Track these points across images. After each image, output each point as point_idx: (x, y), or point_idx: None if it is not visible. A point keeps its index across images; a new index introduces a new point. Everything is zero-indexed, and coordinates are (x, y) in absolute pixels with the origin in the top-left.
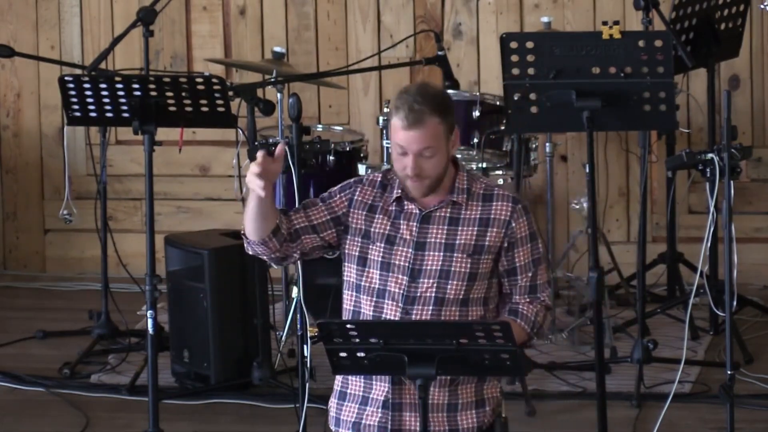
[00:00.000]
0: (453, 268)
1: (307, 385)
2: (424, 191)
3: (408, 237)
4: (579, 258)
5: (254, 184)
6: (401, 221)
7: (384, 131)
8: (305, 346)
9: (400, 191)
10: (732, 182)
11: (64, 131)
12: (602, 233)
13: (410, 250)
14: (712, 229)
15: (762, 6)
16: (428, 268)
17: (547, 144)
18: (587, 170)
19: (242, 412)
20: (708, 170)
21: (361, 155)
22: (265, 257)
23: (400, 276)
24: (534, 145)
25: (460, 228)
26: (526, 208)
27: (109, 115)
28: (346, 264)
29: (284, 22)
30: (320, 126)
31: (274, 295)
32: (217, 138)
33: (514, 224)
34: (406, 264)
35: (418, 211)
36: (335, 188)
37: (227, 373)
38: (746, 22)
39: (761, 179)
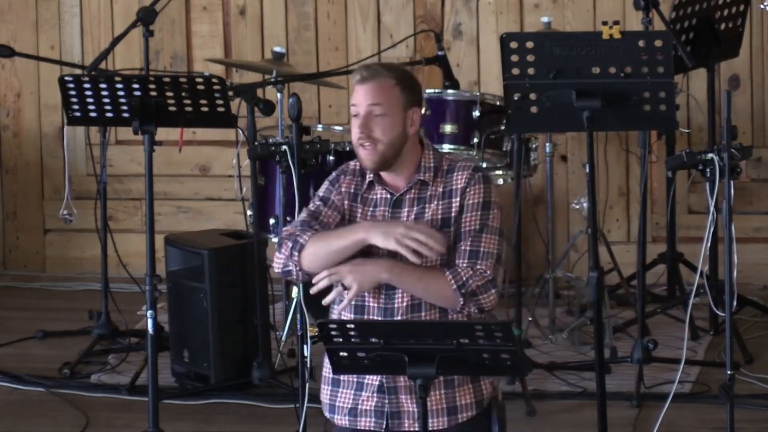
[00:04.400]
0: None
1: (307, 385)
2: (375, 159)
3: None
4: (579, 258)
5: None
6: (376, 208)
7: None
8: (305, 346)
9: (371, 176)
10: (732, 182)
11: (64, 131)
12: (602, 233)
13: None
14: (712, 229)
15: (762, 6)
16: None
17: (547, 144)
18: (587, 170)
19: (242, 412)
20: (708, 170)
21: None
22: (302, 279)
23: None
24: (534, 145)
25: (427, 206)
26: (485, 177)
27: (109, 115)
28: None
29: (284, 22)
30: (320, 126)
31: (274, 295)
32: (217, 138)
33: (469, 189)
34: (383, 249)
35: (389, 196)
36: (325, 186)
37: (227, 373)
38: (746, 22)
39: (761, 179)
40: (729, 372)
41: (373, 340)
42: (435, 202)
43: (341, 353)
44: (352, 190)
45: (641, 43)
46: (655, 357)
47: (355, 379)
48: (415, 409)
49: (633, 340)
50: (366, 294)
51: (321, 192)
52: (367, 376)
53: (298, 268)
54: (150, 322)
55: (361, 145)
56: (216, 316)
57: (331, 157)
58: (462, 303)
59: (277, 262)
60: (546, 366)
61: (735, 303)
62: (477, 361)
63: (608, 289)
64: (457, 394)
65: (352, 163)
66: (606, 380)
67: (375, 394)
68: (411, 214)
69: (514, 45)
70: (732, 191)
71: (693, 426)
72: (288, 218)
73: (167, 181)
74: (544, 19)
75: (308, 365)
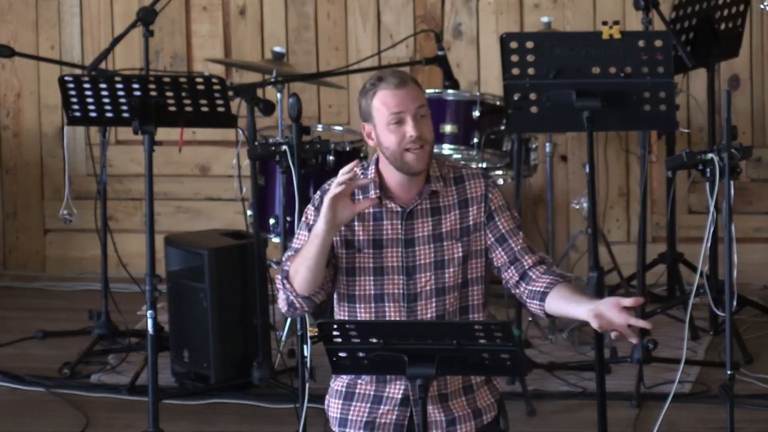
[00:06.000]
0: (446, 257)
1: (307, 385)
2: (425, 160)
3: (395, 237)
4: (579, 258)
5: (326, 208)
6: (384, 222)
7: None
8: (305, 346)
9: (378, 192)
10: (732, 182)
11: (64, 131)
12: (602, 233)
13: (401, 249)
14: (712, 229)
15: (762, 6)
16: (422, 262)
17: (547, 144)
18: (587, 170)
19: (242, 412)
20: (708, 170)
21: (361, 155)
22: (306, 312)
23: (396, 276)
24: (534, 145)
25: (442, 216)
26: (495, 182)
27: (109, 115)
28: None
29: (284, 22)
30: (320, 126)
31: (274, 295)
32: (217, 138)
33: (490, 195)
34: (400, 263)
35: (400, 209)
36: (309, 212)
37: (227, 373)
38: (746, 22)
39: (761, 179)
40: (729, 372)
41: (373, 340)
42: (452, 212)
43: (341, 353)
44: None
45: (641, 43)
46: (655, 357)
47: (372, 393)
48: (443, 418)
49: None
50: (386, 309)
51: (309, 219)
52: (388, 390)
53: (294, 295)
54: (150, 322)
55: (410, 149)
56: (216, 316)
57: (331, 157)
58: None
59: (281, 303)
60: (546, 366)
61: (735, 303)
62: (477, 361)
63: (608, 289)
64: (477, 396)
65: (330, 182)
66: (606, 380)
67: (396, 408)
68: (427, 225)
69: (514, 45)
70: (732, 191)
71: (693, 426)
72: (288, 218)
73: (167, 181)
74: (544, 19)
75: (308, 365)
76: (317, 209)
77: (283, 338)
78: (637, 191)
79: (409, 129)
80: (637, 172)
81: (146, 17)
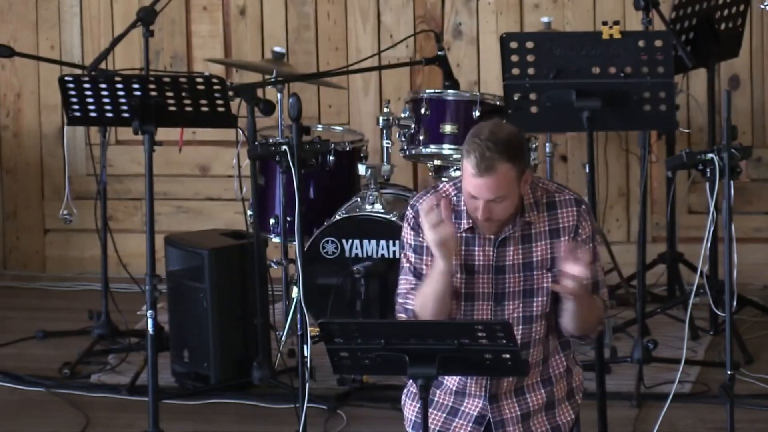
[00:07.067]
0: (536, 286)
1: (307, 385)
2: (495, 230)
3: (486, 263)
4: None
5: (436, 250)
6: (475, 248)
7: (384, 131)
8: (305, 346)
9: (471, 221)
10: (732, 182)
11: (64, 131)
12: (602, 233)
13: (491, 276)
14: (712, 229)
15: (762, 6)
16: (511, 290)
17: (547, 144)
18: (587, 170)
19: (242, 412)
20: (708, 170)
21: (361, 155)
22: None
23: (485, 303)
24: (534, 145)
25: (534, 244)
26: (587, 206)
27: (109, 115)
28: None
29: (284, 22)
30: (320, 126)
31: (274, 295)
32: (217, 138)
33: (580, 228)
34: (490, 290)
35: (493, 237)
36: (408, 235)
37: (227, 373)
38: (746, 22)
39: (761, 179)
40: (729, 372)
41: (374, 340)
42: (543, 241)
43: (342, 353)
44: None
45: (641, 43)
46: (655, 357)
47: (450, 404)
48: None
49: (633, 340)
50: (475, 309)
51: (410, 240)
52: (465, 405)
53: None
54: (150, 322)
55: (481, 221)
56: (216, 316)
57: (331, 157)
58: (600, 327)
59: None
60: None
61: (735, 303)
62: (478, 361)
63: (608, 289)
64: (558, 412)
65: (426, 200)
66: (606, 380)
67: (470, 424)
68: (518, 253)
69: (514, 45)
70: (732, 191)
71: (693, 426)
72: (288, 218)
73: (167, 181)
74: (544, 19)
75: (308, 365)
76: (413, 229)
77: (283, 338)
78: (637, 191)
79: (479, 213)
80: (637, 172)
81: (146, 17)
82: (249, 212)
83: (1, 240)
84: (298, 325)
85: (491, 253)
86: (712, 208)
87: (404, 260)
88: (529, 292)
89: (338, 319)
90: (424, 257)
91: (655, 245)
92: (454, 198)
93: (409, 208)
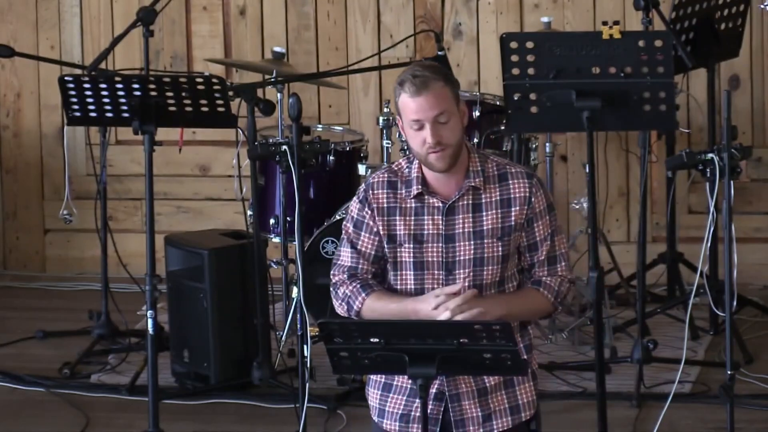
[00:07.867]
0: (486, 254)
1: (307, 385)
2: (447, 161)
3: (436, 232)
4: (579, 258)
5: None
6: (425, 217)
7: (384, 131)
8: (305, 346)
9: (420, 187)
10: (732, 182)
11: (64, 131)
12: (602, 233)
13: (441, 245)
14: (712, 229)
15: (762, 6)
16: (462, 258)
17: (547, 144)
18: (587, 170)
19: (242, 412)
20: (708, 170)
21: (361, 155)
22: None
23: (436, 272)
24: (534, 145)
25: (484, 213)
26: (540, 181)
27: (109, 115)
28: None
29: (284, 22)
30: (320, 126)
31: (274, 295)
32: (217, 138)
33: (533, 199)
34: (440, 259)
35: (441, 204)
36: (356, 206)
37: (227, 373)
38: (746, 22)
39: (761, 179)
40: (729, 372)
41: (374, 340)
42: (493, 210)
43: (342, 353)
44: (385, 205)
45: (641, 43)
46: (655, 357)
47: (408, 386)
48: (480, 414)
49: (633, 340)
50: (425, 278)
51: (353, 213)
52: None
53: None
54: (150, 322)
55: (431, 152)
56: (216, 316)
57: (331, 157)
58: (557, 309)
59: (339, 311)
60: (546, 366)
61: (735, 303)
62: (478, 361)
63: (608, 289)
64: (518, 391)
65: (376, 176)
66: (606, 380)
67: (431, 402)
68: (468, 221)
69: (514, 45)
70: (732, 191)
71: (693, 426)
72: (288, 218)
73: (167, 181)
74: (544, 19)
75: (308, 365)
76: (361, 202)
77: (283, 338)
78: (637, 191)
79: (427, 136)
80: (637, 172)
81: (146, 17)
82: (249, 212)
83: (1, 240)
84: (298, 325)
85: (440, 222)
86: (712, 208)
87: (344, 231)
88: (480, 261)
89: (338, 319)
90: (362, 233)
91: (655, 245)
92: (406, 169)
93: (363, 183)
